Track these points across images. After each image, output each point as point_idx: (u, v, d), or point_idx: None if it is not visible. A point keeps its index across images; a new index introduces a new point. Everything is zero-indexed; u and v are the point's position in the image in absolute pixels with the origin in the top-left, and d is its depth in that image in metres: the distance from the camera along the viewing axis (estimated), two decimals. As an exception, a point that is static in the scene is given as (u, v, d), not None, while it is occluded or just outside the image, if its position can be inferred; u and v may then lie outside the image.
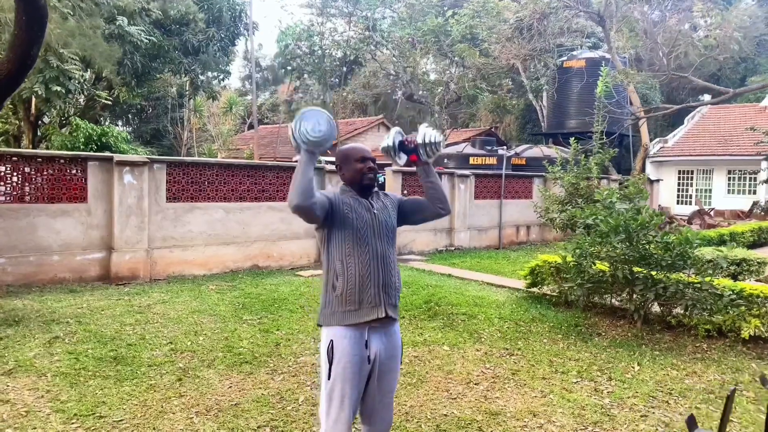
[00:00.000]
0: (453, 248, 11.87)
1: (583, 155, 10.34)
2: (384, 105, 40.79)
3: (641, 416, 3.83)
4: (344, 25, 17.75)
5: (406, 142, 2.61)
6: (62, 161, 7.32)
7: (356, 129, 26.38)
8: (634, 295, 5.93)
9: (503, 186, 12.36)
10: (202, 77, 16.61)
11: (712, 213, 19.16)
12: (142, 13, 12.62)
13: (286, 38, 17.96)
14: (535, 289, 7.47)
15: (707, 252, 6.58)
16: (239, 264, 8.77)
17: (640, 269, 5.84)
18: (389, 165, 10.67)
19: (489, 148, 14.84)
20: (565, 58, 18.69)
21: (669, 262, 5.56)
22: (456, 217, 11.68)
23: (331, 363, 2.38)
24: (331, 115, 2.42)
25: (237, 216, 8.74)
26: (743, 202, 21.33)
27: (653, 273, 5.77)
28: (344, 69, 17.00)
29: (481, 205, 12.19)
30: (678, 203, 23.76)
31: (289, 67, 17.92)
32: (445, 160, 14.25)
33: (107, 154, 8.42)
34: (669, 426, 3.68)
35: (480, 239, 12.34)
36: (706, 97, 25.03)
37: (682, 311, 5.95)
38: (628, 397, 4.15)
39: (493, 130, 28.52)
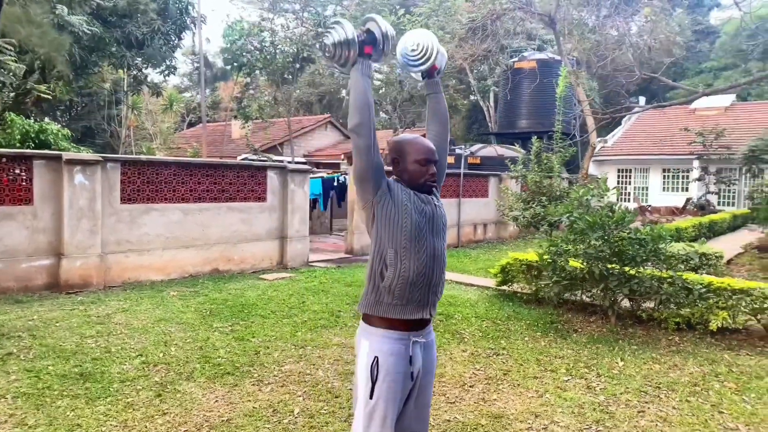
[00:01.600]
0: (415, 247, 11.83)
1: (544, 154, 10.54)
2: (329, 104, 40.39)
3: (638, 412, 3.86)
4: (295, 21, 17.39)
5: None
6: (4, 160, 6.71)
7: (303, 127, 25.96)
8: (609, 291, 6.05)
9: (461, 185, 12.45)
10: (145, 71, 15.80)
11: (650, 209, 20.11)
12: (81, 2, 11.82)
13: (233, 33, 17.40)
14: (505, 287, 7.52)
15: (678, 247, 6.80)
16: (199, 268, 8.36)
17: (613, 265, 5.96)
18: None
19: (452, 147, 14.90)
20: (516, 59, 19.08)
21: (644, 257, 5.70)
22: (417, 216, 11.63)
23: (374, 381, 2.17)
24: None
25: (196, 217, 8.32)
26: (677, 199, 22.49)
27: (626, 269, 5.91)
28: (297, 66, 16.63)
29: (447, 203, 12.11)
30: (618, 201, 24.82)
31: (236, 63, 17.32)
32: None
33: (55, 152, 7.80)
34: (667, 420, 3.73)
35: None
36: (641, 100, 26.21)
37: (652, 306, 6.14)
38: (621, 393, 4.18)
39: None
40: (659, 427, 3.63)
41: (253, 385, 4.20)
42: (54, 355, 4.67)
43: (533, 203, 10.06)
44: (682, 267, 5.77)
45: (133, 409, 3.71)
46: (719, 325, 5.59)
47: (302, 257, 9.69)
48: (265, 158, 15.35)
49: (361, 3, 17.32)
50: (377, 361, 2.18)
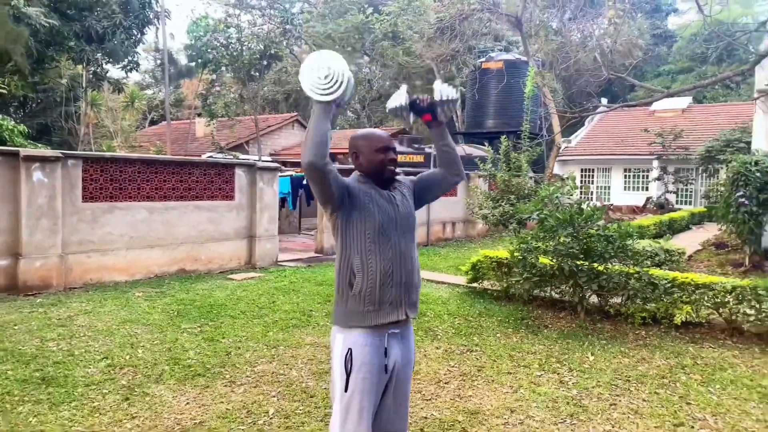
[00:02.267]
0: (385, 246, 11.81)
1: (513, 153, 10.67)
2: (295, 102, 40.07)
3: (610, 405, 3.93)
4: (261, 18, 17.15)
5: (419, 101, 2.40)
6: (-44, 156, 6.39)
7: (269, 126, 25.64)
8: (578, 288, 6.15)
9: (431, 184, 12.44)
10: (106, 67, 15.30)
11: (612, 208, 20.62)
12: (39, -6, 11.36)
13: (198, 29, 17.05)
14: (476, 284, 7.57)
15: (645, 244, 6.97)
16: (165, 268, 8.14)
17: (582, 262, 6.07)
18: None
19: (416, 146, 14.96)
20: (483, 59, 19.30)
21: (612, 254, 5.82)
22: (387, 214, 11.63)
23: (348, 374, 2.17)
24: (342, 60, 2.17)
25: (161, 216, 8.10)
26: (638, 199, 23.12)
27: (595, 265, 6.02)
28: (264, 63, 16.40)
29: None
30: (582, 199, 25.36)
31: (201, 60, 16.98)
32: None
33: (12, 148, 7.46)
34: (638, 413, 3.80)
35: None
36: (603, 102, 26.86)
37: (618, 301, 6.27)
38: (593, 387, 4.25)
39: (407, 129, 28.93)
40: (631, 419, 3.70)
41: (226, 386, 4.10)
42: (13, 359, 4.47)
43: (502, 201, 10.18)
44: (649, 263, 5.92)
45: (100, 414, 3.57)
46: (683, 319, 5.76)
47: (271, 257, 9.55)
48: (232, 156, 15.09)
49: (328, 1, 17.22)
50: (351, 353, 2.18)
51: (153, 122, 34.66)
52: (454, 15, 14.26)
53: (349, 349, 2.18)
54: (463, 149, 15.68)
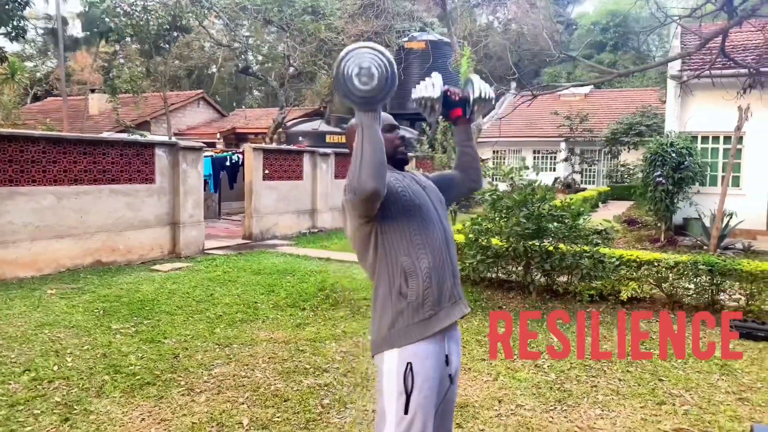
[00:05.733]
0: (316, 230, 11.40)
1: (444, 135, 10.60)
2: (198, 79, 37.76)
3: (591, 387, 3.90)
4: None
5: (450, 94, 2.09)
6: None
7: (173, 104, 23.94)
8: (530, 268, 6.17)
9: (361, 165, 12.12)
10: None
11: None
12: None
13: (94, -5, 15.37)
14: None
15: (596, 223, 7.11)
16: (78, 261, 7.25)
17: (533, 242, 6.08)
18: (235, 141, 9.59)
19: (345, 126, 14.44)
20: (406, 39, 19.08)
21: (565, 234, 5.86)
22: (319, 197, 11.20)
23: (409, 393, 1.78)
24: (384, 52, 1.70)
25: (72, 202, 7.17)
26: (546, 179, 24.20)
27: (546, 244, 6.06)
28: (174, 34, 15.10)
29: (342, 184, 11.76)
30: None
31: (98, 29, 15.34)
32: (300, 138, 13.56)
33: None
34: (620, 393, 3.80)
35: (341, 220, 12.02)
36: (512, 86, 27.75)
37: (565, 279, 6.37)
38: (568, 369, 4.22)
39: (321, 109, 28.26)
40: (615, 400, 3.68)
41: (184, 394, 3.61)
42: None
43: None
44: (600, 242, 6.04)
45: (37, 441, 2.98)
46: (629, 295, 5.94)
47: (197, 245, 8.85)
48: (140, 135, 13.85)
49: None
50: (411, 367, 1.80)
51: (36, 98, 31.29)
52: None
53: (409, 364, 1.79)
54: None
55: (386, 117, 2.04)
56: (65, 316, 5.22)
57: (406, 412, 1.77)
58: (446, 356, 1.87)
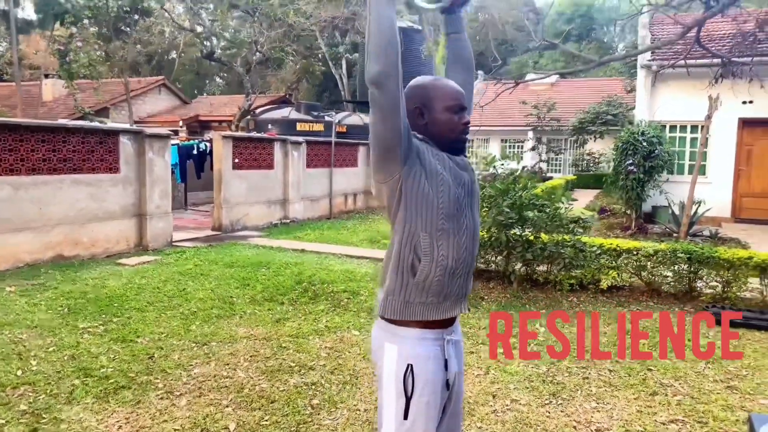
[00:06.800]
0: (288, 221, 11.13)
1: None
2: (158, 65, 36.54)
3: (583, 379, 3.86)
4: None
5: None
6: None
7: (133, 90, 23.09)
8: (512, 258, 6.12)
9: (333, 154, 11.95)
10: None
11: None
12: None
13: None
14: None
15: (578, 212, 7.11)
16: (38, 255, 6.85)
17: (514, 231, 6.02)
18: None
19: (315, 114, 14.20)
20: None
21: (547, 222, 5.82)
22: (290, 187, 10.92)
23: (410, 397, 1.68)
24: None
25: (30, 193, 6.76)
26: (514, 168, 24.42)
27: (527, 234, 6.01)
28: (135, 17, 14.45)
29: (314, 174, 11.59)
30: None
31: (53, 11, 14.57)
32: (270, 126, 13.20)
33: None
34: (612, 384, 3.76)
35: (313, 210, 11.80)
36: (480, 73, 27.88)
37: (545, 269, 6.35)
38: (558, 361, 4.17)
39: (287, 96, 27.74)
40: (609, 392, 3.64)
41: (162, 398, 3.39)
42: None
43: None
44: (582, 231, 6.03)
45: (3, 455, 2.74)
46: (609, 283, 5.96)
47: (165, 237, 8.50)
48: (101, 122, 13.26)
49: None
50: (412, 369, 1.69)
51: (-18, 82, 29.72)
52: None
53: (409, 365, 1.69)
54: (360, 117, 15.23)
55: (455, 90, 1.81)
56: (27, 315, 4.89)
57: (406, 417, 1.67)
58: (445, 360, 1.75)
